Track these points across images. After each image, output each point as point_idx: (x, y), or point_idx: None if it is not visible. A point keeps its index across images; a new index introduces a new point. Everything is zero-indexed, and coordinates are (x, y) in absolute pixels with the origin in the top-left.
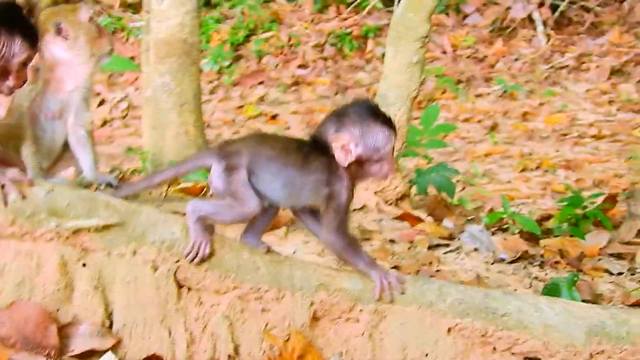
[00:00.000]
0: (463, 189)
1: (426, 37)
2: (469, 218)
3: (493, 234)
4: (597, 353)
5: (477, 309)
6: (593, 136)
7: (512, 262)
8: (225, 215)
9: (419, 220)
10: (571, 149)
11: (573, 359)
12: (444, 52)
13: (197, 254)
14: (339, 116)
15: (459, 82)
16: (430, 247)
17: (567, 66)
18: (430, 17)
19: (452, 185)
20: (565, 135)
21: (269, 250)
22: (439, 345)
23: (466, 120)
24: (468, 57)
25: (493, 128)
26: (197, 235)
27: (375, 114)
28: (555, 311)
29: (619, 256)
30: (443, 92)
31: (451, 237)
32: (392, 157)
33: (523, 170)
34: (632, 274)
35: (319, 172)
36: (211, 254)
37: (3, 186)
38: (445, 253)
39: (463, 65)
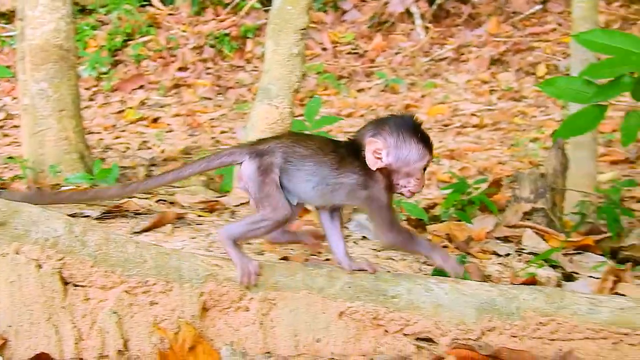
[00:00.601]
0: None
1: (305, 29)
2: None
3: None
4: (489, 330)
5: (367, 292)
6: (475, 125)
7: None
8: (259, 230)
9: (306, 210)
10: (454, 139)
11: (465, 337)
12: (324, 49)
13: (250, 277)
14: (379, 122)
15: (341, 77)
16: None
17: (446, 58)
18: (308, 9)
19: None
20: (447, 125)
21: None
22: (330, 330)
23: (349, 115)
24: (348, 53)
25: None
26: (241, 259)
27: (414, 129)
28: (444, 290)
29: (505, 239)
30: (325, 89)
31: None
32: (422, 177)
33: None
34: (519, 255)
35: (354, 174)
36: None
37: None
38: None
39: (344, 61)
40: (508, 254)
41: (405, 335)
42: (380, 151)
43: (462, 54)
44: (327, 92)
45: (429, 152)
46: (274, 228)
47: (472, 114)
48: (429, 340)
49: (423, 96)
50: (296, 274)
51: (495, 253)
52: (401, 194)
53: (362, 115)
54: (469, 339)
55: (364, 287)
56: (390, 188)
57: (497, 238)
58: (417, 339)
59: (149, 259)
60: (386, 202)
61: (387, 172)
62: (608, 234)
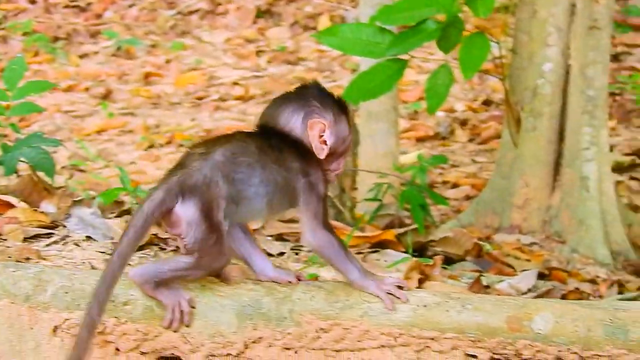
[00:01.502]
0: (71, 177)
1: None
2: (76, 200)
3: (111, 218)
4: (254, 341)
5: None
6: (239, 97)
7: (139, 248)
8: (187, 278)
9: (10, 206)
10: (211, 116)
11: (223, 352)
12: (33, 2)
13: (179, 318)
14: (301, 99)
15: (56, 39)
16: (26, 239)
17: (198, 10)
18: None
19: (50, 161)
20: (201, 98)
21: None
22: (41, 350)
23: (69, 88)
24: (66, 6)
25: (106, 96)
26: (167, 297)
27: (335, 99)
28: (193, 292)
29: (279, 236)
30: (35, 55)
31: (54, 225)
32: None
33: (150, 147)
34: (297, 254)
35: (294, 163)
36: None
37: None
38: (47, 245)
39: (60, 18)
40: (282, 253)
41: (143, 353)
42: (324, 133)
43: (219, 4)
44: (39, 60)
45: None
46: (206, 276)
47: (235, 83)
48: (176, 359)
49: (168, 61)
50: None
51: (265, 252)
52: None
53: (87, 89)
54: (229, 354)
55: (86, 292)
56: (326, 176)
57: (268, 235)
58: (161, 358)
59: None
60: (324, 192)
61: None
62: (413, 226)
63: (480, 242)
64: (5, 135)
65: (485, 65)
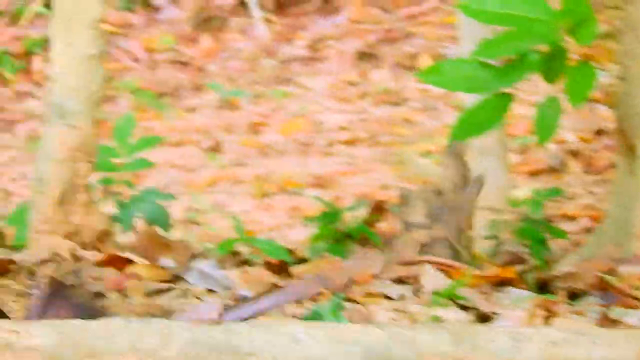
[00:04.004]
0: (187, 230)
1: (101, 21)
2: (195, 253)
3: (229, 269)
4: None
5: (215, 350)
6: (346, 142)
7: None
8: None
9: (129, 262)
10: (319, 162)
11: None
12: (137, 60)
13: None
14: None
15: (162, 95)
16: (148, 295)
17: (299, 57)
18: None
19: (166, 215)
20: (309, 145)
21: None
22: None
23: (179, 142)
24: (169, 62)
25: (215, 148)
26: None
27: None
28: (317, 339)
29: (398, 279)
30: (143, 112)
31: (175, 279)
32: None
33: (262, 196)
34: (417, 297)
35: None
36: None
37: None
38: (170, 299)
39: (164, 74)
40: (403, 297)
41: None
42: None
43: (319, 51)
44: (147, 116)
45: None
46: None
47: (340, 128)
48: None
49: (273, 110)
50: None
51: (385, 296)
52: None
53: (195, 142)
54: None
55: (211, 344)
56: None
57: (387, 278)
58: None
59: None
60: None
61: None
62: (533, 262)
63: (604, 276)
64: (119, 193)
65: (594, 94)
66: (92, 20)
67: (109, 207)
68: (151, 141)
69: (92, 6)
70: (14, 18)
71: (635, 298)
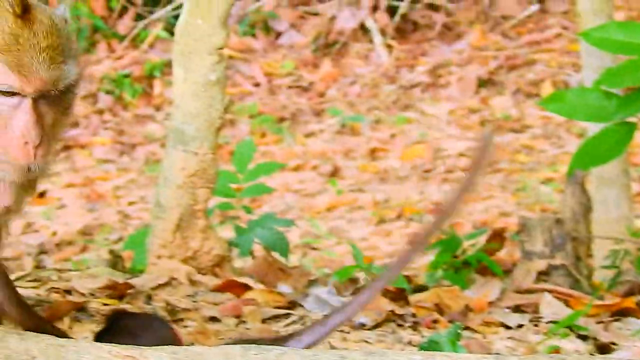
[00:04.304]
0: (304, 255)
1: (223, 48)
2: (312, 279)
3: (346, 296)
4: None
5: None
6: (466, 169)
7: (375, 326)
8: None
9: (247, 288)
10: (439, 188)
11: None
12: (257, 85)
13: None
14: None
15: (282, 120)
16: (265, 320)
17: (419, 83)
18: (225, 22)
19: (284, 241)
20: (429, 171)
21: None
22: None
23: (297, 167)
24: (289, 87)
25: (334, 173)
26: None
27: None
28: None
29: (516, 307)
30: (262, 136)
31: (292, 305)
32: None
33: (380, 222)
34: (536, 326)
35: None
36: None
37: None
38: (286, 325)
39: (284, 98)
40: (521, 326)
41: None
42: None
43: (440, 77)
44: (266, 141)
45: None
46: None
47: (460, 154)
48: None
49: (393, 136)
50: None
51: (503, 325)
52: None
53: (314, 167)
54: None
55: None
56: None
57: (505, 307)
58: None
59: (38, 354)
60: None
61: None
62: None
63: None
64: (237, 217)
65: None
66: (213, 47)
67: (227, 232)
68: (271, 167)
69: (215, 33)
70: (135, 42)
71: None
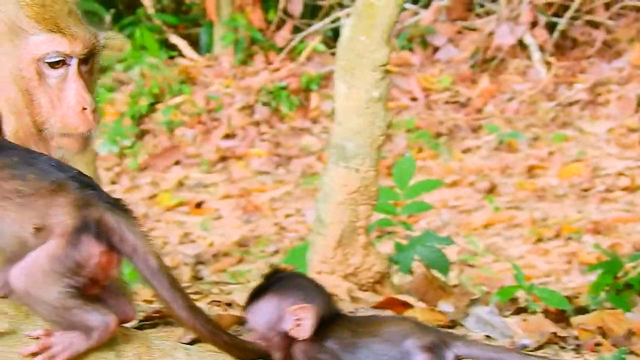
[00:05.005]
0: (461, 272)
1: (386, 64)
2: (473, 298)
3: (507, 316)
4: None
5: None
6: (625, 188)
7: (538, 348)
8: None
9: (408, 306)
10: (598, 208)
11: None
12: (414, 99)
13: None
14: None
15: (439, 135)
16: None
17: (578, 101)
18: (389, 39)
19: (444, 259)
20: (587, 190)
21: None
22: None
23: (454, 183)
24: (446, 102)
25: (491, 190)
26: None
27: None
28: None
29: None
30: (419, 151)
31: (453, 324)
32: None
33: (538, 240)
34: None
35: None
36: None
37: None
38: None
39: (441, 114)
40: None
41: None
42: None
43: (599, 95)
44: (423, 155)
45: None
46: None
47: (620, 174)
48: None
49: (551, 153)
50: None
51: None
52: None
53: (471, 184)
54: None
55: None
56: None
57: None
58: None
59: None
60: None
61: None
62: None
63: None
64: (395, 233)
65: None
66: (377, 64)
67: (384, 248)
68: (431, 185)
69: (378, 49)
70: (292, 54)
71: None
